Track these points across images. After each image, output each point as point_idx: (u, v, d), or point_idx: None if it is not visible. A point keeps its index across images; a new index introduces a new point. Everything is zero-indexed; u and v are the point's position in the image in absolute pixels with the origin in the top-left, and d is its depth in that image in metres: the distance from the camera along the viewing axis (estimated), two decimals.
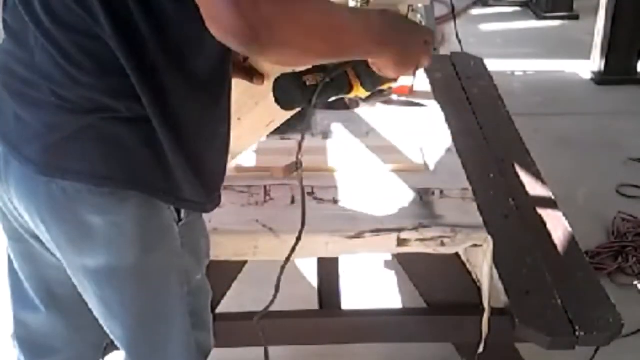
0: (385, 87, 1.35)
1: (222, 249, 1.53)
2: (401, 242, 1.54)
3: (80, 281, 1.26)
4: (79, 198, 1.14)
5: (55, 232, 1.19)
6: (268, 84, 1.31)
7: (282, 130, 1.60)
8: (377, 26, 1.10)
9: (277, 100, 1.26)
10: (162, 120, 1.11)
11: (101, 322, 1.32)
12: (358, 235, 1.53)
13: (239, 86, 1.30)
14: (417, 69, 1.22)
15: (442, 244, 1.53)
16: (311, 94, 1.22)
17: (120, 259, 1.20)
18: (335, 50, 1.07)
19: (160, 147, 1.13)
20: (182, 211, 1.25)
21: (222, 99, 1.21)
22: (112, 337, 1.35)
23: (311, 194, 1.66)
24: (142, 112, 1.10)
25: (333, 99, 1.30)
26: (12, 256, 1.37)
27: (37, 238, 1.26)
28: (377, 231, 1.54)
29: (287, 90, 1.24)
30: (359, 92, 1.30)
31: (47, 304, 1.38)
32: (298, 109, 1.32)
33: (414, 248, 1.54)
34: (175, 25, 1.07)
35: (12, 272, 1.39)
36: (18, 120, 1.16)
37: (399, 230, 1.54)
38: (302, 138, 1.25)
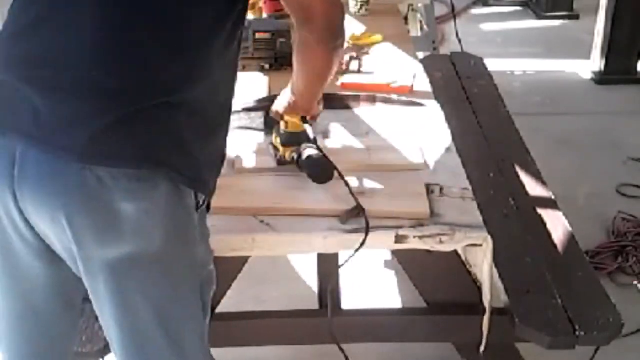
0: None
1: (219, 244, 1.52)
2: (399, 239, 1.54)
3: (95, 277, 1.26)
4: (114, 185, 1.16)
5: (80, 225, 1.19)
6: None
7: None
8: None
9: (319, 181, 1.61)
10: (208, 105, 1.25)
11: (109, 320, 1.30)
12: (356, 231, 1.53)
13: None
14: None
15: (441, 242, 1.53)
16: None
17: (145, 246, 1.22)
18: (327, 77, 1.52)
19: (196, 132, 1.23)
20: (201, 199, 1.28)
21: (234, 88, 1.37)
22: (121, 335, 1.32)
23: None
24: (189, 98, 1.21)
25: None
26: None
27: (30, 245, 1.25)
28: (376, 227, 1.54)
29: (324, 171, 1.60)
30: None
31: (24, 314, 1.38)
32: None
33: (412, 245, 1.54)
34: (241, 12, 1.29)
35: None
36: (40, 113, 1.16)
37: (398, 227, 1.54)
38: (344, 180, 1.54)
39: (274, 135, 1.70)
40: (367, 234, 1.49)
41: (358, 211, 1.51)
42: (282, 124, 1.66)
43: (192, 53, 1.22)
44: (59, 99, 1.16)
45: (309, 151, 1.60)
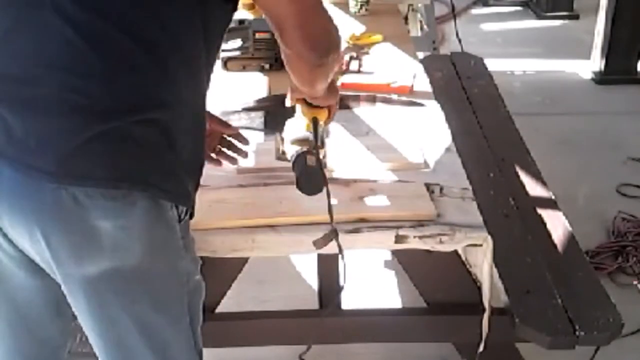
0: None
1: (219, 245, 1.52)
2: (399, 239, 1.54)
3: (75, 293, 1.25)
4: (90, 203, 1.14)
5: (57, 243, 1.17)
6: None
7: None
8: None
9: (306, 192, 1.50)
10: (183, 117, 1.21)
11: (93, 334, 1.30)
12: (356, 231, 1.53)
13: None
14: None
15: (441, 242, 1.53)
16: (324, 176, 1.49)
17: (125, 261, 1.20)
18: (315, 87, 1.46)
19: (172, 145, 1.19)
20: (182, 211, 1.26)
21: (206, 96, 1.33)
22: (104, 348, 1.32)
23: None
24: (163, 113, 1.17)
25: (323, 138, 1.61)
26: None
27: (12, 256, 1.24)
28: (375, 227, 1.54)
29: (314, 182, 1.50)
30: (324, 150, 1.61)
31: (11, 320, 1.37)
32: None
33: (412, 245, 1.54)
34: (218, 26, 1.25)
35: None
36: (11, 129, 1.13)
37: (398, 226, 1.54)
38: (329, 200, 1.45)
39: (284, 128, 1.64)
40: (342, 255, 1.47)
41: (332, 236, 1.46)
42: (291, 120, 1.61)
43: (161, 69, 1.17)
44: (30, 116, 1.13)
45: (307, 157, 1.54)
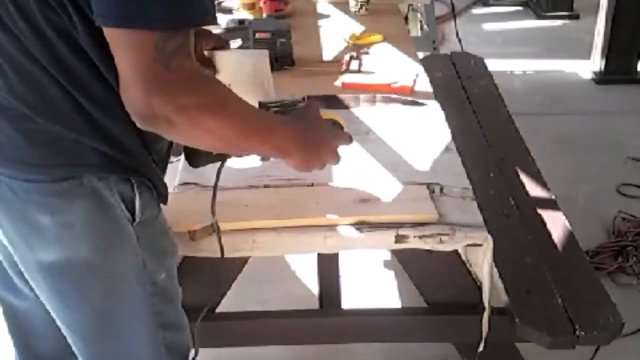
0: None
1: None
2: (399, 239, 1.54)
3: (34, 277, 1.26)
4: (27, 198, 1.15)
5: (7, 229, 1.21)
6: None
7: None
8: (281, 137, 1.19)
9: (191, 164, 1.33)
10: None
11: (57, 318, 1.31)
12: (356, 231, 1.52)
13: None
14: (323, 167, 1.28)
15: (441, 242, 1.53)
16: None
17: (73, 255, 1.21)
18: (237, 147, 1.17)
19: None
20: (136, 210, 1.24)
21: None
22: (68, 335, 1.33)
23: (310, 186, 1.66)
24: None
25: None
26: None
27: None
28: (376, 227, 1.54)
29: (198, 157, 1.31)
30: None
31: (15, 334, 1.40)
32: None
33: (412, 245, 1.54)
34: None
35: None
36: None
37: (398, 226, 1.54)
38: (215, 191, 1.31)
39: None
40: (222, 252, 1.42)
41: (213, 229, 1.40)
42: None
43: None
44: None
45: None
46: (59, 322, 1.32)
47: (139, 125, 1.07)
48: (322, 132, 1.27)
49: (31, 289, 1.33)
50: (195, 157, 1.31)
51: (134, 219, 1.24)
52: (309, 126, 1.24)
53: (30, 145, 1.14)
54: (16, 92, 1.12)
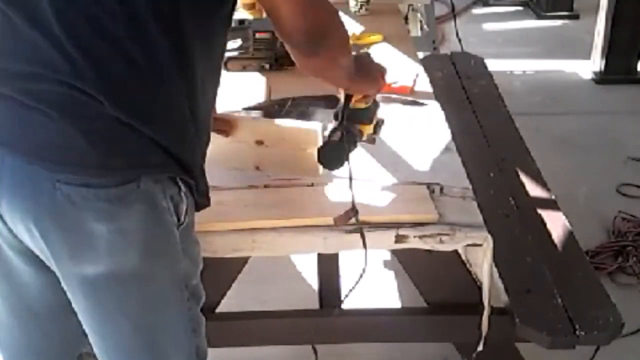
0: (376, 118, 1.62)
1: (220, 245, 1.52)
2: (399, 239, 1.54)
3: (74, 291, 1.25)
4: (85, 205, 1.13)
5: (54, 240, 1.17)
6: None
7: None
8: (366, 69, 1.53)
9: (325, 166, 1.57)
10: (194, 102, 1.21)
11: (92, 332, 1.30)
12: (356, 231, 1.52)
13: None
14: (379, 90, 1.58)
15: (441, 242, 1.53)
16: (345, 152, 1.51)
17: (122, 265, 1.19)
18: (344, 73, 1.43)
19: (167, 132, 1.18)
20: (181, 215, 1.24)
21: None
22: (101, 346, 1.31)
23: (310, 186, 1.66)
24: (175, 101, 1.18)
25: (354, 148, 1.57)
26: None
27: (19, 251, 1.24)
28: (376, 227, 1.54)
29: (332, 157, 1.54)
30: (367, 129, 1.59)
31: (22, 316, 1.37)
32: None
33: (412, 245, 1.54)
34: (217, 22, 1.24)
35: None
36: (14, 121, 1.14)
37: (398, 226, 1.54)
38: (351, 183, 1.45)
39: None
40: (363, 236, 1.48)
41: (353, 214, 1.47)
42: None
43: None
44: (26, 109, 1.13)
45: (335, 132, 1.54)
46: (92, 333, 1.30)
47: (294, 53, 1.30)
48: (368, 62, 1.57)
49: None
50: (330, 161, 1.54)
51: (179, 224, 1.24)
52: (368, 61, 1.57)
53: (93, 145, 1.12)
54: (86, 77, 1.10)
